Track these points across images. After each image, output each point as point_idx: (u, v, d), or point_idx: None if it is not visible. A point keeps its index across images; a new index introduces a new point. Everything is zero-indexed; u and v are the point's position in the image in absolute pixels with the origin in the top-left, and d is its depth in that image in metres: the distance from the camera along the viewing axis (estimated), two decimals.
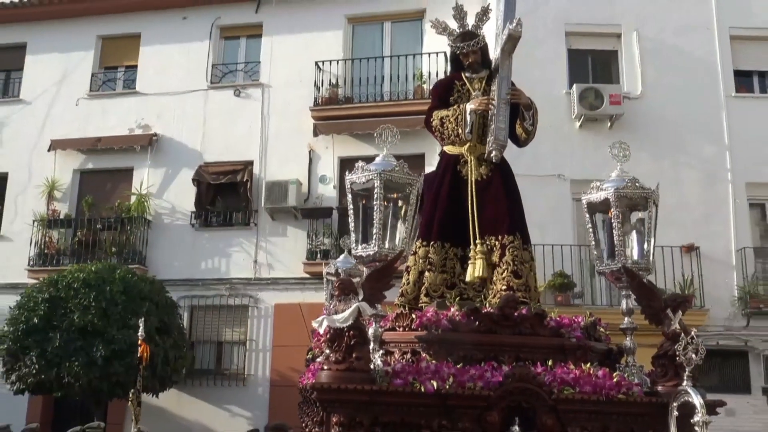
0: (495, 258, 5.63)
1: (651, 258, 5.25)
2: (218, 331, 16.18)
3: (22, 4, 18.31)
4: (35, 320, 13.08)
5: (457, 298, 5.46)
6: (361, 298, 4.54)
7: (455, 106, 5.97)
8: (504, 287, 5.49)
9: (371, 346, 4.65)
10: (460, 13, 6.02)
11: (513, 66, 16.09)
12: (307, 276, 15.19)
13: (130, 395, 9.70)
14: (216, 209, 16.83)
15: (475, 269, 5.57)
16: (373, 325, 4.77)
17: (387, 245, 5.02)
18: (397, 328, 5.17)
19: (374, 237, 4.98)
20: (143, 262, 16.27)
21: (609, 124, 14.62)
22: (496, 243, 5.67)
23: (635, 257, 5.23)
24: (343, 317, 4.41)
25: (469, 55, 6.04)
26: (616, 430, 4.45)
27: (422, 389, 4.33)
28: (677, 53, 14.97)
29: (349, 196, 5.22)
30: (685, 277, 13.66)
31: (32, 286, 14.25)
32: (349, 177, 5.15)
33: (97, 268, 13.76)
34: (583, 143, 14.49)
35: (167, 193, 16.99)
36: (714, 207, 14.32)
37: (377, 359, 4.59)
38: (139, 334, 9.30)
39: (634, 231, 5.30)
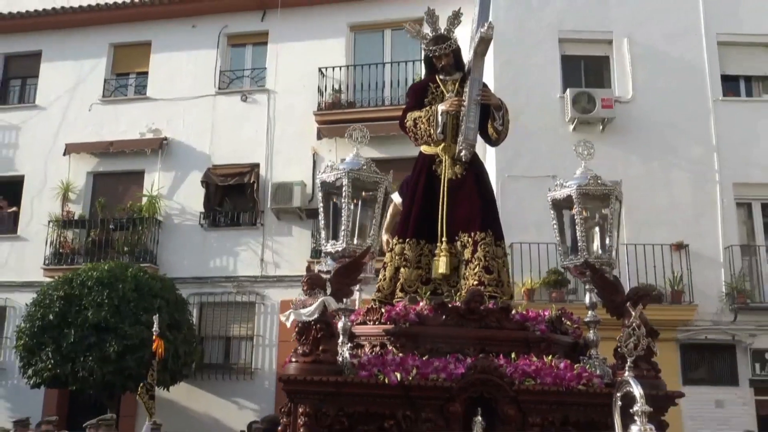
0: (468, 254, 5.55)
1: (614, 253, 5.17)
2: (226, 327, 16.19)
3: (37, 13, 18.33)
4: (51, 317, 13.14)
5: (428, 293, 5.39)
6: (329, 292, 4.50)
7: (428, 108, 5.87)
8: (475, 282, 5.39)
9: (341, 339, 4.61)
10: (432, 18, 5.96)
11: (512, 71, 16.11)
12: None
13: (140, 389, 9.72)
14: (224, 210, 16.85)
15: (439, 265, 5.50)
16: (342, 319, 4.73)
17: (355, 242, 4.95)
18: (368, 322, 5.10)
19: (343, 234, 4.90)
20: (154, 261, 16.29)
21: (601, 127, 14.62)
22: (469, 240, 5.56)
23: (598, 252, 5.13)
24: (309, 311, 4.37)
25: (441, 58, 5.94)
26: (576, 420, 4.39)
27: (386, 381, 4.30)
28: (666, 59, 14.96)
29: (320, 195, 5.17)
30: (674, 274, 13.66)
31: (48, 285, 14.25)
32: (319, 176, 5.11)
33: (110, 267, 13.81)
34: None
35: (177, 194, 17.01)
36: (702, 206, 14.31)
37: (345, 352, 4.54)
38: (154, 329, 9.30)
39: (598, 227, 5.20)
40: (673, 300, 13.61)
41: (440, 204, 5.66)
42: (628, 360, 4.16)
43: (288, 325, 4.60)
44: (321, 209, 5.16)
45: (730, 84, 15.27)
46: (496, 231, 5.68)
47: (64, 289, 13.39)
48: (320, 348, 4.36)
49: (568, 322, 5.31)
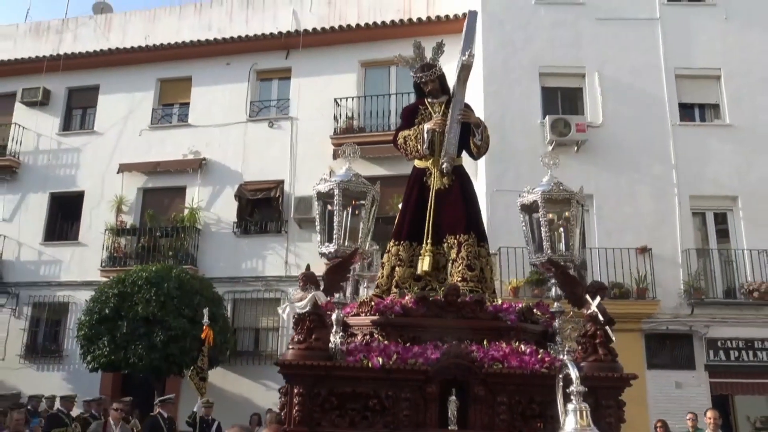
0: (453, 254, 5.48)
1: (576, 250, 5.07)
2: (256, 319, 16.19)
3: (95, 53, 18.49)
4: (107, 311, 13.20)
5: (416, 289, 5.35)
6: (322, 288, 4.48)
7: (416, 127, 5.83)
8: (459, 278, 5.33)
9: (334, 329, 4.58)
10: (419, 49, 5.90)
11: (498, 100, 16.06)
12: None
13: (190, 372, 9.69)
14: (254, 220, 16.86)
15: (423, 264, 5.44)
16: (336, 311, 4.70)
17: (346, 243, 4.89)
18: (361, 314, 5.06)
19: (335, 237, 4.86)
20: (194, 263, 16.32)
21: (576, 148, 14.61)
22: (454, 241, 5.50)
23: (562, 250, 5.04)
24: (302, 304, 4.36)
25: (428, 84, 5.89)
26: (540, 400, 4.28)
27: (370, 365, 4.27)
28: (631, 89, 14.96)
29: (315, 203, 5.13)
30: (639, 274, 13.62)
31: (104, 284, 14.31)
32: (315, 187, 5.09)
33: (157, 268, 13.86)
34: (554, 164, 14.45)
35: (214, 206, 17.04)
36: (663, 216, 14.27)
37: (337, 340, 4.50)
38: (204, 321, 9.29)
39: (562, 228, 5.11)
40: (638, 296, 13.57)
41: (428, 210, 5.59)
42: (566, 345, 4.13)
43: (284, 317, 4.60)
44: (317, 216, 5.12)
45: (686, 111, 15.24)
46: (478, 233, 5.62)
47: (117, 288, 13.44)
48: (313, 336, 4.34)
49: (539, 313, 5.24)
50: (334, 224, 4.88)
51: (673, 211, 14.30)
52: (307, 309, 4.35)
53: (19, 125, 18.64)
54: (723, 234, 14.65)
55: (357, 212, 5.02)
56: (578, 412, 2.86)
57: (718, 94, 15.15)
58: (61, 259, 17.42)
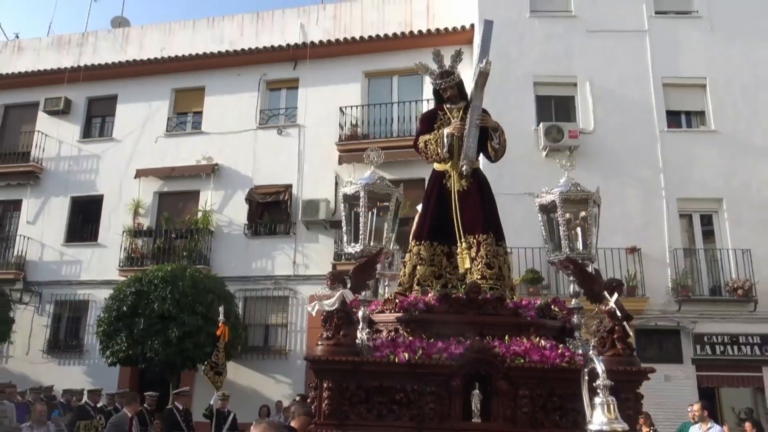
0: (473, 253, 5.38)
1: (593, 249, 4.95)
2: (266, 316, 16.17)
3: (114, 65, 18.50)
4: (124, 308, 13.19)
5: (439, 287, 5.27)
6: (349, 286, 4.41)
7: (436, 131, 5.75)
8: (479, 276, 5.25)
9: (361, 325, 4.52)
10: (438, 57, 5.85)
11: (495, 108, 16.15)
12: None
13: (204, 366, 9.60)
14: (263, 222, 16.81)
15: (465, 262, 5.33)
16: (362, 309, 4.64)
17: (371, 244, 4.84)
18: (386, 311, 5.00)
19: (361, 237, 4.81)
20: (207, 263, 16.29)
21: (569, 154, 14.56)
22: (474, 241, 5.40)
23: (579, 249, 4.92)
24: (330, 302, 4.32)
25: (447, 90, 5.83)
26: (561, 393, 4.21)
27: (396, 360, 4.23)
28: (621, 97, 14.95)
29: (342, 205, 5.05)
30: (629, 273, 13.58)
31: (122, 282, 14.30)
32: (342, 189, 5.02)
33: (172, 268, 13.83)
34: (548, 168, 14.37)
35: (226, 209, 17.02)
36: (651, 217, 14.24)
37: (363, 336, 4.45)
38: (220, 318, 9.23)
39: (579, 227, 4.99)
40: (628, 294, 13.50)
41: (454, 212, 5.50)
42: (592, 340, 4.00)
43: (314, 314, 4.54)
44: (344, 217, 5.03)
45: (673, 118, 15.20)
46: (497, 233, 5.52)
47: (135, 286, 13.43)
48: (341, 333, 4.31)
49: (557, 309, 5.15)
50: (360, 225, 4.83)
51: (661, 213, 14.27)
52: (335, 306, 4.30)
53: (42, 133, 18.65)
54: (709, 234, 14.60)
55: (381, 213, 4.97)
56: (605, 406, 2.80)
57: (703, 101, 15.12)
58: (81, 260, 17.39)
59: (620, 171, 14.43)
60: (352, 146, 16.09)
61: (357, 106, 16.87)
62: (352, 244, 4.89)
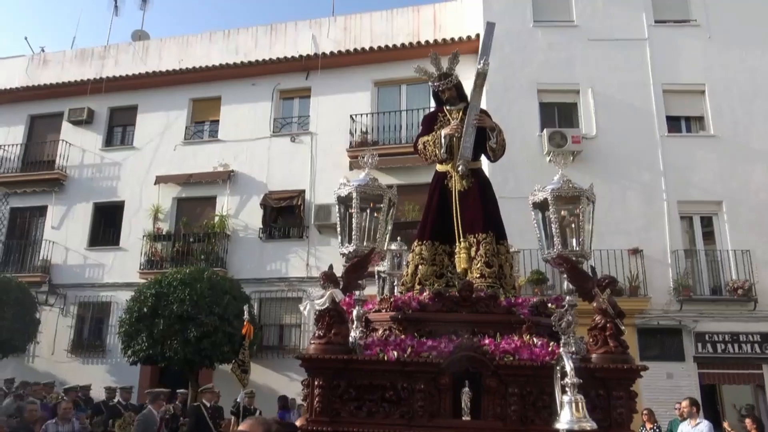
0: (473, 252, 5.25)
1: (587, 246, 4.73)
2: (280, 317, 16.18)
3: (134, 76, 18.63)
4: (145, 309, 13.21)
5: (435, 285, 5.14)
6: (341, 286, 4.32)
7: (434, 132, 5.62)
8: (478, 275, 5.11)
9: (355, 324, 4.45)
10: (436, 59, 5.71)
11: (500, 115, 16.08)
12: None
13: (232, 365, 9.54)
14: (277, 226, 16.88)
15: (462, 261, 5.20)
16: (356, 308, 4.58)
17: (364, 243, 4.72)
18: (381, 310, 4.88)
19: (354, 237, 4.71)
20: (224, 266, 16.34)
21: (572, 158, 14.54)
22: (474, 240, 5.27)
23: (573, 246, 4.71)
24: (321, 302, 4.24)
25: (445, 92, 5.71)
26: (550, 391, 3.96)
27: (385, 358, 4.13)
28: (622, 104, 14.90)
29: (336, 206, 4.94)
30: (632, 273, 13.53)
31: (143, 285, 14.34)
32: (335, 191, 4.91)
33: (190, 271, 13.87)
34: (552, 173, 14.32)
35: (241, 214, 17.08)
36: (653, 219, 14.17)
37: (356, 334, 4.37)
38: (244, 317, 9.19)
39: (572, 224, 4.78)
40: (631, 293, 13.47)
41: (454, 212, 5.39)
42: (562, 337, 3.79)
43: (305, 313, 4.46)
44: (338, 219, 4.96)
45: (673, 123, 15.13)
46: (497, 232, 5.40)
47: (155, 288, 13.45)
48: (332, 332, 4.23)
49: (553, 306, 4.98)
50: (353, 226, 4.74)
51: (662, 215, 14.20)
52: (326, 306, 4.24)
53: (66, 142, 18.81)
54: (709, 236, 14.50)
55: (376, 214, 4.85)
56: (573, 404, 2.72)
57: (702, 107, 15.03)
58: (103, 263, 17.51)
59: (622, 175, 14.38)
60: (362, 153, 16.06)
61: (367, 114, 16.90)
62: (346, 245, 4.80)
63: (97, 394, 12.99)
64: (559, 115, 15.42)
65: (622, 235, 13.80)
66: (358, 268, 4.56)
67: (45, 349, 16.79)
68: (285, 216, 16.96)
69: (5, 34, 46.86)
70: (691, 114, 15.24)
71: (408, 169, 14.61)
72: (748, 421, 8.91)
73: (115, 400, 11.39)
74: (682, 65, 15.10)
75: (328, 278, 4.32)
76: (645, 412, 10.75)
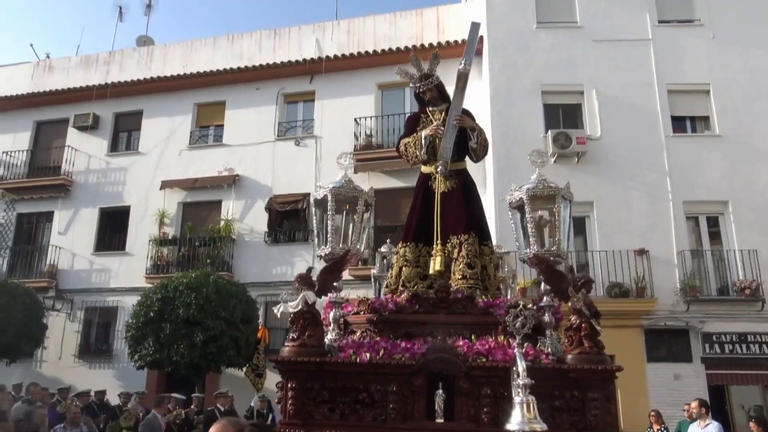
0: (455, 253, 5.19)
1: (563, 246, 4.63)
2: (286, 320, 16.10)
3: (139, 81, 18.73)
4: (151, 314, 13.24)
5: (422, 287, 5.11)
6: (317, 288, 4.32)
7: (414, 134, 5.58)
8: (459, 276, 5.06)
9: (332, 326, 4.42)
10: (417, 61, 5.70)
11: (504, 117, 15.93)
12: (351, 278, 15.15)
13: (246, 369, 9.44)
14: (283, 229, 16.91)
15: (435, 264, 5.13)
16: (333, 310, 4.54)
17: (340, 246, 4.71)
18: (360, 312, 4.85)
19: (329, 239, 4.70)
20: (230, 270, 16.37)
21: (576, 159, 14.51)
22: (456, 241, 5.22)
23: (549, 246, 4.63)
24: (294, 304, 4.24)
25: (426, 93, 5.66)
26: None
27: (358, 360, 4.13)
28: (627, 104, 14.85)
29: (312, 209, 4.91)
30: (638, 274, 13.46)
31: (149, 289, 14.38)
32: (312, 195, 4.87)
33: (196, 275, 13.86)
34: (557, 174, 14.07)
35: (247, 218, 17.12)
36: (658, 220, 14.11)
37: (331, 336, 4.35)
38: (259, 321, 9.10)
39: (549, 224, 4.70)
40: (637, 294, 13.41)
41: (435, 213, 5.33)
42: (517, 337, 3.78)
43: (278, 316, 4.46)
44: (315, 221, 4.91)
45: (678, 123, 15.07)
46: (480, 233, 5.37)
47: (161, 293, 13.48)
48: (306, 334, 4.22)
49: (533, 307, 4.81)
50: (328, 228, 4.73)
51: (667, 216, 14.13)
52: (300, 308, 4.22)
53: (72, 148, 18.93)
54: (715, 236, 14.43)
55: (354, 217, 4.86)
56: (525, 405, 2.73)
57: (707, 107, 14.98)
58: (110, 268, 17.60)
59: (627, 175, 14.33)
60: (366, 155, 16.12)
61: (371, 117, 16.93)
62: (322, 247, 4.78)
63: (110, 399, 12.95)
64: (563, 116, 15.38)
65: (628, 236, 13.75)
66: (333, 271, 4.55)
67: (52, 354, 16.89)
68: (290, 220, 17.00)
69: (11, 40, 47.14)
70: (696, 114, 15.18)
71: (413, 171, 14.49)
72: (752, 424, 8.81)
73: (129, 405, 11.37)
74: (686, 65, 15.05)
75: (303, 281, 4.34)
76: (652, 413, 10.70)
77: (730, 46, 15.00)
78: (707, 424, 8.94)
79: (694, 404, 9.23)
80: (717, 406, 12.86)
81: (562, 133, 14.47)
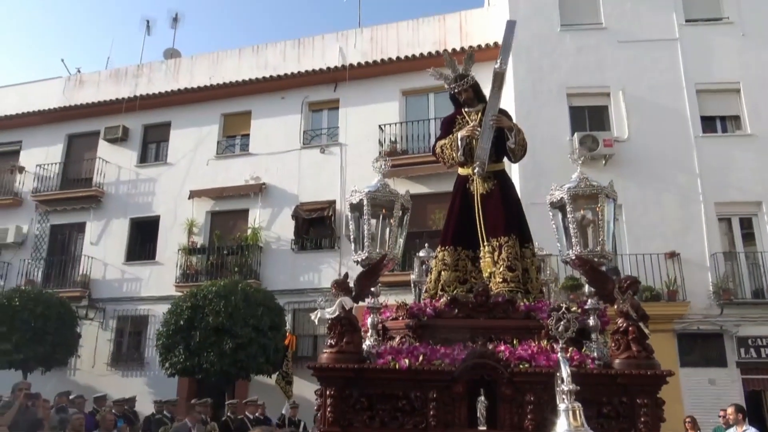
0: (496, 256, 5.08)
1: (608, 246, 4.45)
2: (314, 327, 16.19)
3: (167, 93, 18.98)
4: (181, 322, 13.34)
5: (462, 291, 4.97)
6: (354, 294, 4.24)
7: (450, 135, 5.47)
8: (500, 280, 4.91)
9: (370, 332, 4.34)
10: (451, 62, 5.55)
11: (530, 120, 15.81)
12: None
13: (276, 377, 9.41)
14: (309, 237, 16.93)
15: (486, 266, 5.05)
16: (371, 315, 4.46)
17: (376, 250, 4.61)
18: (399, 318, 4.76)
19: (366, 244, 4.60)
20: (258, 278, 16.44)
21: (604, 162, 14.32)
22: (496, 243, 5.10)
23: (592, 246, 4.43)
24: (331, 310, 4.18)
25: (462, 93, 5.54)
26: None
27: (397, 366, 4.01)
28: (654, 105, 14.63)
29: (348, 214, 4.84)
30: (669, 277, 13.22)
31: (179, 298, 14.48)
32: (347, 199, 4.80)
33: (225, 283, 13.95)
34: None
35: (273, 226, 17.19)
36: (689, 222, 13.85)
37: (369, 342, 4.28)
38: (287, 328, 9.10)
39: (591, 224, 4.50)
40: (669, 298, 13.16)
41: (477, 215, 5.22)
42: (560, 341, 3.65)
43: (316, 322, 4.38)
44: (351, 226, 4.83)
45: (708, 123, 14.79)
46: (520, 235, 5.22)
47: (191, 301, 13.57)
48: (344, 340, 4.14)
49: (577, 310, 4.57)
50: (365, 233, 4.63)
51: (699, 218, 13.86)
52: (337, 314, 4.15)
53: (103, 159, 19.24)
54: (749, 237, 14.10)
55: (391, 221, 4.75)
56: (570, 412, 2.62)
57: (738, 106, 14.68)
58: (141, 277, 17.80)
59: (657, 177, 14.10)
60: (391, 162, 16.05)
61: (395, 124, 16.92)
62: (359, 252, 4.69)
63: (140, 406, 13.08)
64: (590, 118, 15.19)
65: (659, 239, 13.52)
66: (370, 276, 4.47)
67: (86, 363, 17.13)
68: (316, 227, 17.01)
69: (43, 57, 48.36)
70: (727, 113, 14.88)
71: (438, 176, 14.55)
72: None
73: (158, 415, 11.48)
74: (715, 64, 14.77)
75: (340, 286, 4.27)
76: (688, 419, 10.46)
77: (762, 44, 14.68)
78: (744, 430, 8.72)
79: (730, 410, 9.01)
80: (754, 411, 12.54)
81: (589, 135, 14.30)
